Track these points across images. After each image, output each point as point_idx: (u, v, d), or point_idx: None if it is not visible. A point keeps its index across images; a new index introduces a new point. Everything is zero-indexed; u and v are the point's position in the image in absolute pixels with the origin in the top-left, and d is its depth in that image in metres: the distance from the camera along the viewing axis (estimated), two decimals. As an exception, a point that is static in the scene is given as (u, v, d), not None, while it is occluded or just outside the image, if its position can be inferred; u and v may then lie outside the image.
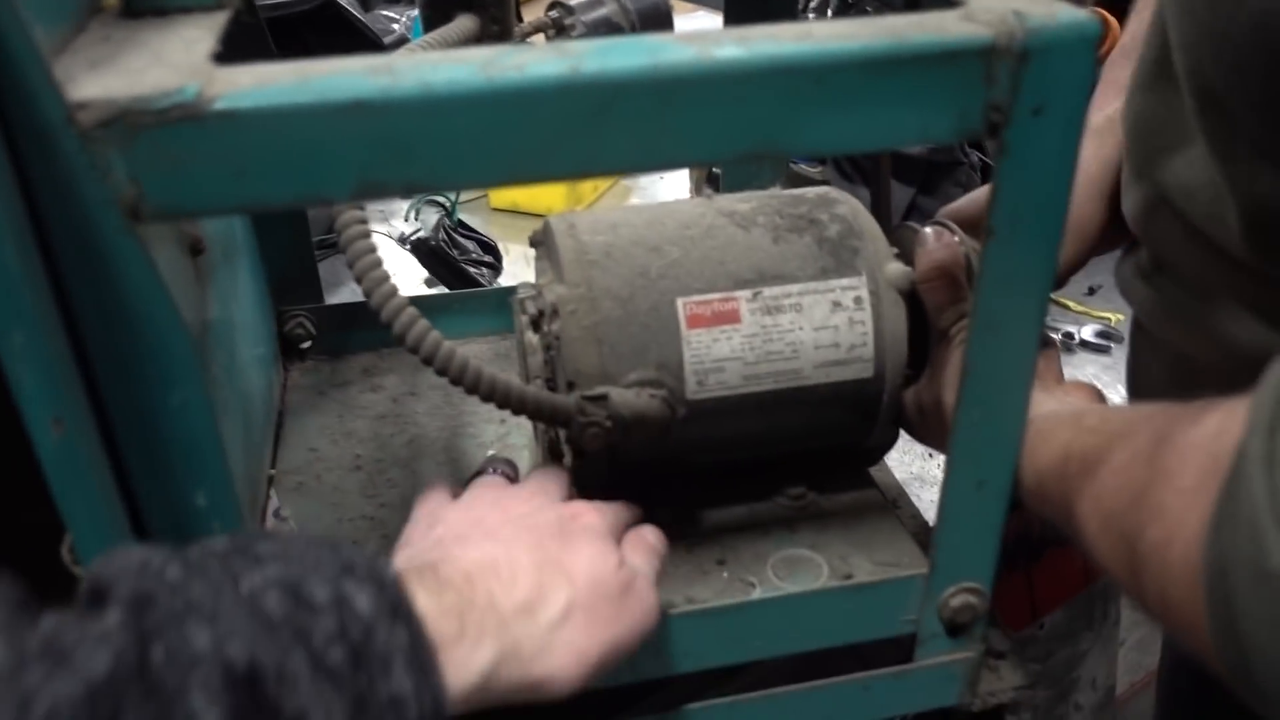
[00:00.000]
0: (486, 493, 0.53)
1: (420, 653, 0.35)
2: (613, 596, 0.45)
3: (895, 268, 0.61)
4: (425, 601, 0.37)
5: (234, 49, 0.42)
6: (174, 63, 0.37)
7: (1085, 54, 0.41)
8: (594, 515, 0.50)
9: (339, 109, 0.35)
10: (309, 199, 0.37)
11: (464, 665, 0.38)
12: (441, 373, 0.52)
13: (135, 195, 0.35)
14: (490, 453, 0.64)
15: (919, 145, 0.43)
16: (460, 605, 0.39)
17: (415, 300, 0.83)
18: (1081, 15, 0.41)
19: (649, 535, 0.53)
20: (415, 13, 1.38)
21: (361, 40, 1.02)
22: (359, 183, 0.37)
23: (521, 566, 0.43)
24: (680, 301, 0.58)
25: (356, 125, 0.36)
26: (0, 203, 0.33)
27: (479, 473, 0.56)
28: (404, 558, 0.46)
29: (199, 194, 0.36)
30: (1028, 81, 0.41)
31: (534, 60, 0.37)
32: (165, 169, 0.35)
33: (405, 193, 0.39)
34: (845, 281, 0.60)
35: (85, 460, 0.37)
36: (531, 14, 1.22)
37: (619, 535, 0.52)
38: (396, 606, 0.35)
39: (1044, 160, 0.43)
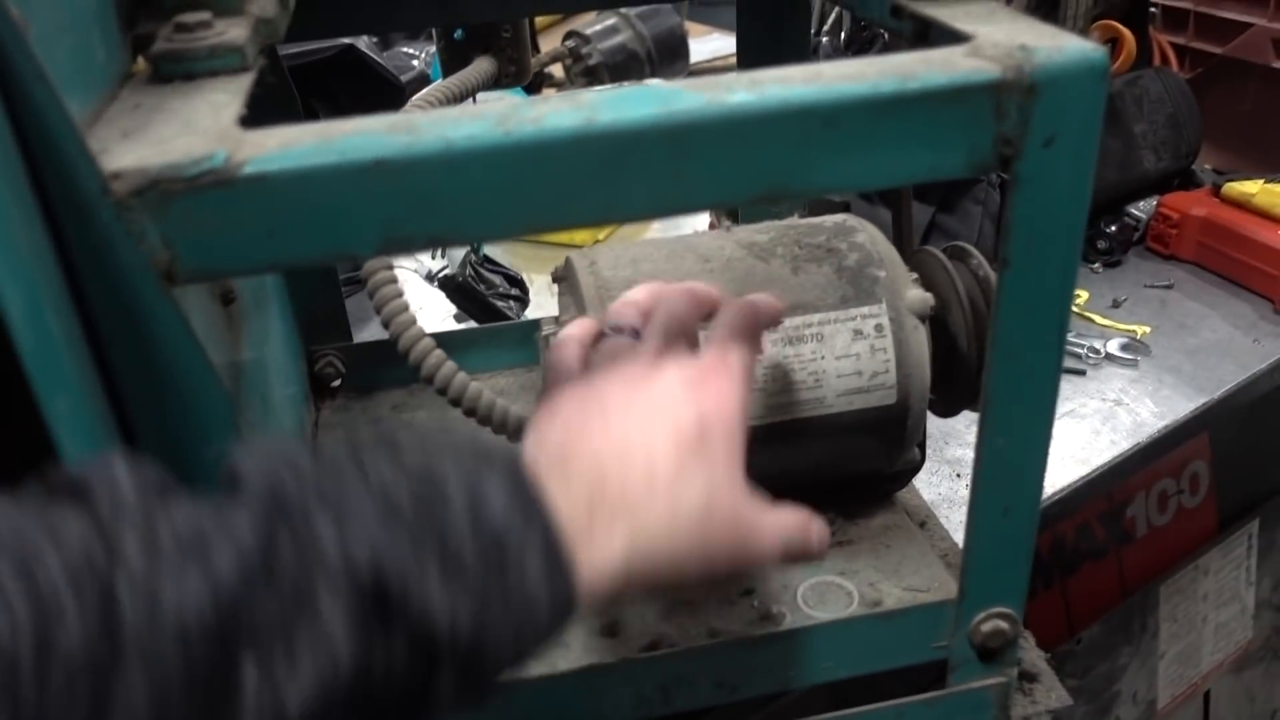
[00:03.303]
0: (609, 364, 0.47)
1: (554, 550, 0.35)
2: (749, 511, 0.43)
3: (915, 294, 0.61)
4: (558, 498, 0.36)
5: (261, 104, 0.44)
6: (202, 129, 0.38)
7: (1094, 84, 0.41)
8: (730, 392, 0.45)
9: (362, 168, 0.36)
10: (336, 256, 0.38)
11: (594, 561, 0.37)
12: (470, 414, 0.53)
13: (169, 259, 0.36)
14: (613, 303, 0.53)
15: (930, 180, 0.43)
16: (591, 500, 0.38)
17: (443, 336, 0.85)
18: (1088, 46, 0.41)
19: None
20: (435, 49, 1.40)
21: (381, 83, 1.04)
22: (384, 239, 0.38)
23: (659, 452, 0.40)
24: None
25: (379, 183, 0.37)
26: (42, 273, 0.34)
27: (601, 334, 0.51)
28: (531, 445, 0.43)
29: (231, 256, 0.37)
30: (1037, 114, 0.41)
31: (550, 112, 0.38)
32: (197, 233, 0.36)
33: (430, 246, 0.40)
34: (865, 310, 0.60)
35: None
36: (548, 44, 1.24)
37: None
38: (530, 506, 0.35)
39: (1057, 190, 0.43)
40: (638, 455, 0.40)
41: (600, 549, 0.37)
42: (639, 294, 0.52)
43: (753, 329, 0.48)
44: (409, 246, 0.39)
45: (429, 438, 0.35)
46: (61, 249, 0.36)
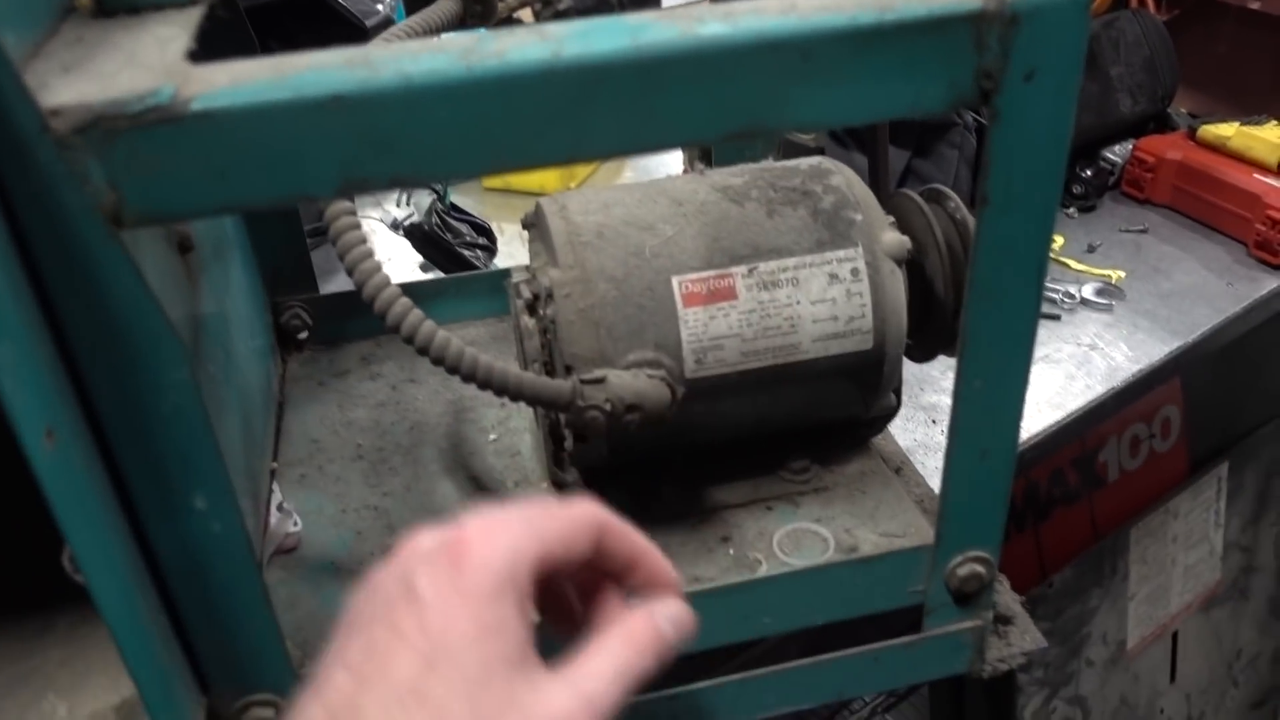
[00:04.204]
0: (394, 571, 0.37)
1: None
2: None
3: (891, 237, 0.60)
4: None
5: (216, 44, 0.42)
6: (148, 64, 0.36)
7: (1076, 16, 0.40)
8: (475, 584, 0.35)
9: (317, 104, 0.35)
10: (293, 197, 0.37)
11: None
12: (438, 362, 0.52)
13: (115, 201, 0.35)
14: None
15: (910, 116, 0.42)
16: None
17: (410, 286, 0.83)
18: (1071, -24, 0.40)
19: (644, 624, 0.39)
20: (399, -8, 1.36)
21: (345, 26, 1.01)
22: (342, 179, 0.36)
23: (369, 714, 0.33)
24: (675, 280, 0.57)
25: (336, 120, 0.35)
26: (-22, 215, 0.32)
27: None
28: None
29: (181, 197, 0.35)
30: (1018, 46, 0.40)
31: (514, 46, 0.36)
32: (144, 173, 0.34)
33: (390, 186, 0.38)
34: (841, 253, 0.59)
35: (80, 470, 0.37)
36: (517, -11, 1.20)
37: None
38: None
39: (1037, 126, 0.42)
40: None
41: None
42: None
43: (545, 528, 0.38)
44: (368, 187, 0.37)
45: None
46: (1, 192, 0.34)
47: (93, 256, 0.35)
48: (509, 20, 0.96)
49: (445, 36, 0.64)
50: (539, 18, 1.71)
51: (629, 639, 0.39)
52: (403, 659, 0.34)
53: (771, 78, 0.39)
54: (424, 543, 0.37)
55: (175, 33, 0.39)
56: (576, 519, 0.40)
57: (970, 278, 0.46)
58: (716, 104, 0.38)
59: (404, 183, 0.38)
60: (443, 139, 0.36)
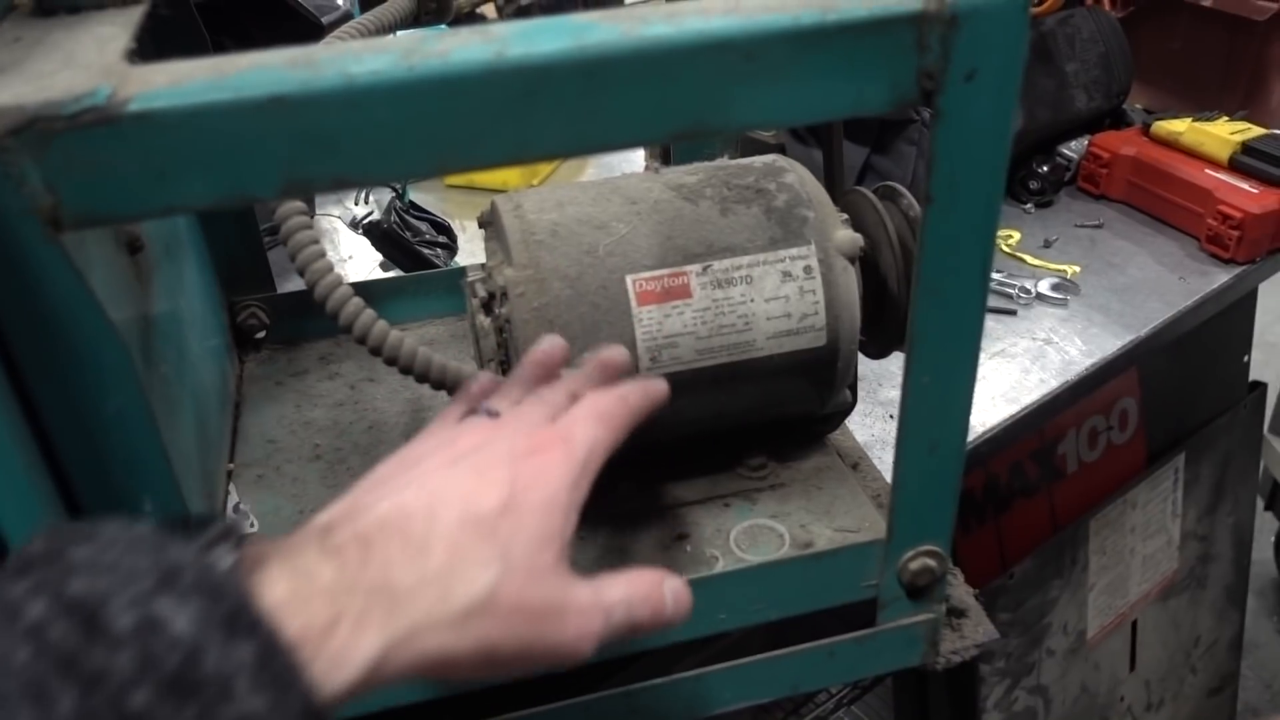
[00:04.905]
0: (449, 428, 0.44)
1: (272, 664, 0.30)
2: (549, 598, 0.38)
3: (844, 235, 0.61)
4: (285, 590, 0.32)
5: (167, 44, 0.41)
6: (86, 64, 0.36)
7: (1016, 17, 0.40)
8: (560, 467, 0.41)
9: (258, 105, 0.35)
10: (235, 199, 0.37)
11: (340, 659, 0.32)
12: (390, 362, 0.52)
13: (53, 203, 0.34)
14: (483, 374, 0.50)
15: (854, 115, 0.42)
16: (340, 584, 0.33)
17: (369, 285, 0.83)
18: (1011, -23, 0.41)
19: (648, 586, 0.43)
20: (358, -12, 1.35)
21: (300, 23, 1.01)
22: (284, 180, 0.36)
23: (442, 526, 0.37)
24: (630, 279, 0.58)
25: (277, 121, 0.35)
26: (-90, 219, 0.32)
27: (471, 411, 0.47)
28: (318, 516, 0.39)
29: (120, 199, 0.35)
30: (959, 47, 0.40)
31: (458, 46, 0.36)
32: (82, 175, 0.34)
33: (334, 188, 0.38)
34: (794, 251, 0.60)
35: (20, 474, 0.36)
36: (479, -15, 1.20)
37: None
38: (235, 615, 0.30)
39: (979, 125, 0.42)
40: (415, 529, 0.36)
41: (345, 644, 0.33)
42: (523, 380, 0.48)
43: (615, 416, 0.45)
44: (312, 188, 0.37)
45: (107, 552, 0.30)
46: (-65, 194, 0.34)
47: (31, 259, 0.35)
48: (470, 16, 0.96)
49: (395, 35, 0.63)
50: (501, 14, 1.70)
51: (640, 587, 0.42)
52: (488, 494, 0.38)
53: (715, 78, 0.39)
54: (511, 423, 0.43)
55: (115, 32, 0.39)
56: (634, 401, 0.47)
57: (917, 274, 0.46)
58: (661, 104, 0.39)
59: (348, 183, 0.37)
60: (385, 140, 0.36)
